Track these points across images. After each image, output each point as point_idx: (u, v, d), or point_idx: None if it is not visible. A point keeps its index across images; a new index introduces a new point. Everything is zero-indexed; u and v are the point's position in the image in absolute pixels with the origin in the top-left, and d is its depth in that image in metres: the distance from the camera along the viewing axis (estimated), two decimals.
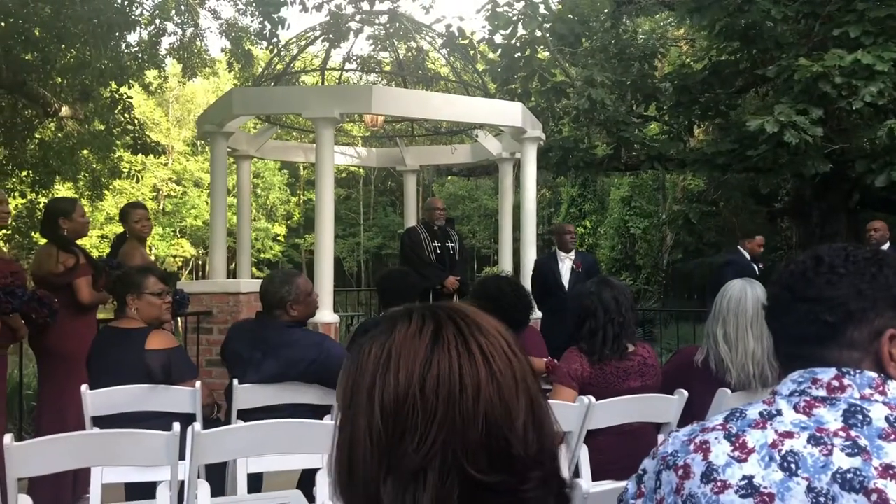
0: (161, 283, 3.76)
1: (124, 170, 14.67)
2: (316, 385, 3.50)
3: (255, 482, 3.18)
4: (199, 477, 2.63)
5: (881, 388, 1.14)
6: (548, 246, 26.12)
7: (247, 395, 3.44)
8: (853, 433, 1.09)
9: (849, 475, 1.04)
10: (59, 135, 11.80)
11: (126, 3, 9.32)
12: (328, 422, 2.98)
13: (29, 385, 6.35)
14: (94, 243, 26.32)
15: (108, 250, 5.98)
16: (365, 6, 9.62)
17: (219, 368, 5.39)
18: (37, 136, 11.65)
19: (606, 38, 10.36)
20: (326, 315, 5.84)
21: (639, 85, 9.96)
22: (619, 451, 3.07)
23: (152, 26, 11.62)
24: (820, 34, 8.21)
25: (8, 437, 2.32)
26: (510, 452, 0.82)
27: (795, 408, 1.15)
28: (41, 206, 11.60)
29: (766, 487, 1.07)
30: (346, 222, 35.30)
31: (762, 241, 7.72)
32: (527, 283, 6.86)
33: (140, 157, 12.43)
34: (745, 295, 2.97)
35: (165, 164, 33.07)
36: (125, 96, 10.87)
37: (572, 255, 7.22)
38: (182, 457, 2.58)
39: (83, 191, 14.24)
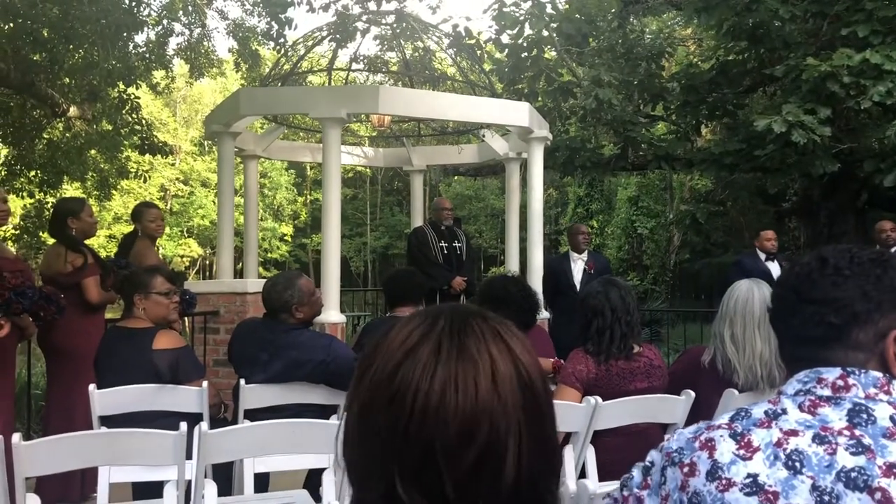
0: (168, 283, 3.77)
1: (132, 170, 14.73)
2: (322, 385, 3.51)
3: (262, 482, 3.19)
4: (205, 476, 2.64)
5: (886, 388, 1.15)
6: (554, 246, 26.14)
7: (253, 394, 3.45)
8: (857, 432, 1.09)
9: (853, 474, 1.05)
10: (67, 135, 11.85)
11: (134, 3, 9.34)
12: (334, 422, 2.98)
13: (37, 384, 6.37)
14: (101, 243, 26.44)
15: (115, 250, 6.00)
16: (372, 6, 9.64)
17: (226, 368, 5.40)
18: (45, 136, 11.70)
19: (613, 38, 10.34)
20: (333, 315, 5.84)
21: (646, 84, 9.94)
22: (625, 451, 3.06)
23: (160, 27, 11.66)
24: (828, 33, 8.18)
25: (16, 437, 2.32)
26: (502, 468, 0.82)
27: (800, 407, 1.16)
28: (49, 205, 11.66)
29: (770, 486, 1.08)
30: (353, 222, 35.34)
31: (770, 235, 7.33)
32: (533, 282, 6.86)
33: (147, 157, 12.46)
34: (752, 295, 2.96)
35: (173, 164, 33.16)
36: (133, 96, 10.90)
37: (585, 255, 7.22)
38: (189, 456, 2.58)
39: (91, 191, 14.30)
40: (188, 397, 3.40)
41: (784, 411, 1.16)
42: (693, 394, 3.05)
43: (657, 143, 9.99)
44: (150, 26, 10.97)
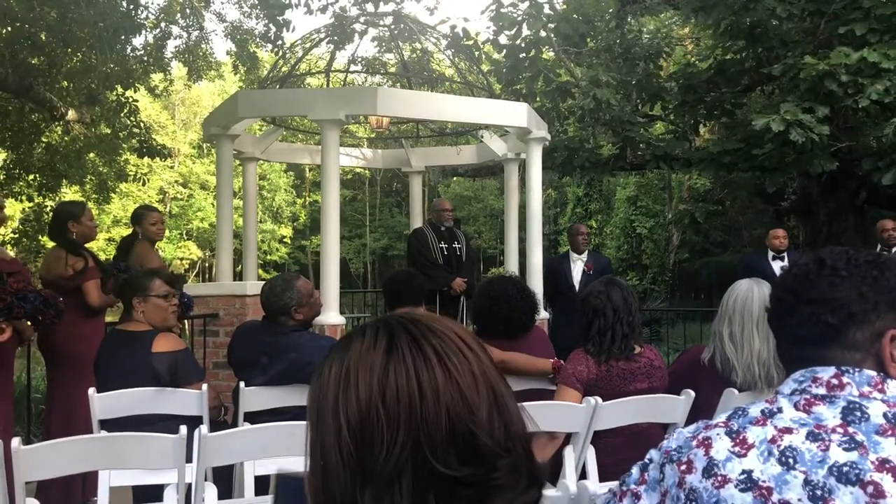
0: (167, 286, 3.77)
1: (131, 173, 14.70)
2: None
3: (263, 485, 3.19)
4: (206, 480, 2.64)
5: (880, 387, 1.16)
6: (553, 246, 26.13)
7: (254, 397, 3.45)
8: (851, 429, 1.11)
9: (845, 468, 1.06)
10: (66, 138, 11.84)
11: (131, 6, 9.33)
12: None
13: (37, 388, 6.37)
14: (101, 246, 26.43)
15: (114, 253, 6.00)
16: (369, 8, 9.63)
17: (225, 371, 5.40)
18: (43, 139, 11.69)
19: (611, 38, 10.34)
20: (333, 317, 5.84)
21: (644, 84, 9.94)
22: (626, 451, 3.06)
23: (158, 30, 11.65)
24: (825, 32, 8.18)
25: (16, 441, 2.32)
26: (477, 444, 0.85)
27: (796, 406, 1.18)
28: (48, 209, 11.66)
29: (764, 481, 1.10)
30: (353, 223, 35.35)
31: (779, 233, 7.40)
32: (532, 282, 6.86)
33: (146, 160, 12.44)
34: (751, 295, 2.96)
35: (172, 167, 33.19)
36: (131, 100, 10.89)
37: (585, 256, 7.23)
38: (189, 459, 2.58)
39: (90, 194, 14.29)
40: (188, 400, 3.40)
41: (780, 410, 1.18)
42: (693, 393, 3.05)
43: (655, 142, 9.98)
44: (148, 29, 10.96)
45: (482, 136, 8.41)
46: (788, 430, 1.13)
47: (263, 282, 4.00)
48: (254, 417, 3.37)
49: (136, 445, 2.60)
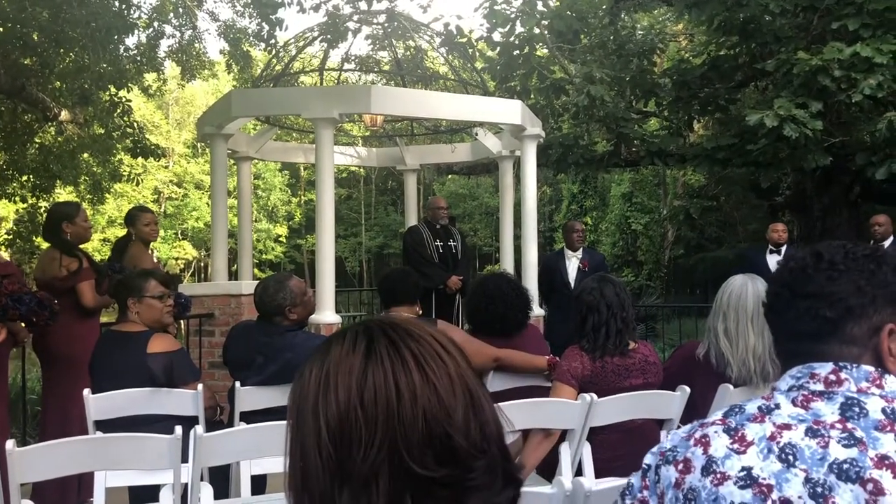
0: (161, 286, 3.76)
1: (124, 173, 14.67)
2: None
3: (259, 484, 3.18)
4: (202, 479, 2.63)
5: (878, 382, 1.16)
6: (549, 243, 26.14)
7: (249, 397, 3.45)
8: (850, 425, 1.10)
9: (845, 465, 1.06)
10: (59, 139, 11.81)
11: (124, 6, 9.30)
12: None
13: (32, 389, 6.35)
14: (95, 247, 26.37)
15: (109, 254, 5.98)
16: (363, 6, 9.62)
17: (221, 371, 5.40)
18: (37, 140, 11.66)
19: (605, 35, 10.34)
20: (328, 315, 5.84)
21: (638, 81, 9.94)
22: (621, 448, 3.07)
23: (150, 29, 11.62)
24: (818, 27, 8.19)
25: (10, 443, 2.32)
26: (453, 445, 0.87)
27: (793, 402, 1.17)
28: (42, 210, 11.63)
29: (764, 478, 1.09)
30: (348, 222, 35.31)
31: (777, 227, 7.51)
32: (528, 280, 6.87)
33: (140, 160, 12.42)
34: (745, 290, 2.97)
35: (166, 167, 33.11)
36: (124, 99, 10.86)
37: (580, 253, 7.23)
38: (185, 460, 2.58)
39: (84, 194, 14.26)
40: (183, 400, 3.39)
41: (777, 406, 1.18)
42: (688, 389, 3.06)
43: (650, 138, 9.99)
44: (141, 29, 10.93)
45: (477, 134, 8.41)
46: (787, 427, 1.13)
47: (258, 281, 3.99)
48: (249, 417, 3.37)
49: (132, 446, 2.60)
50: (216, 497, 2.72)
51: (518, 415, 2.91)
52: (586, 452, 3.06)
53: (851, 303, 1.19)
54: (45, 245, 4.82)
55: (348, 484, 0.86)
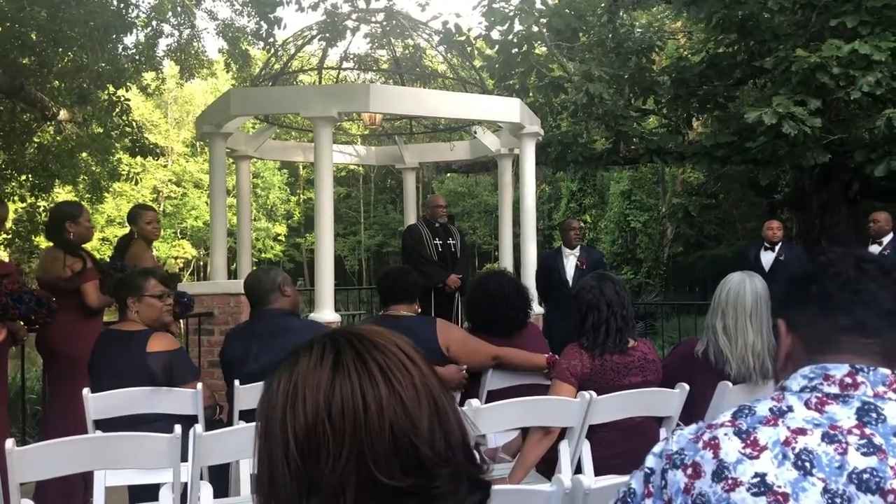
0: (161, 285, 3.76)
1: (123, 172, 14.66)
2: None
3: None
4: (201, 478, 2.63)
5: (895, 386, 1.13)
6: (548, 241, 26.14)
7: (248, 395, 3.44)
8: (868, 431, 1.07)
9: (865, 475, 1.03)
10: (58, 138, 11.80)
11: (122, 5, 9.29)
12: None
13: (32, 389, 6.35)
14: (95, 246, 26.32)
15: (109, 253, 5.98)
16: (361, 4, 9.61)
17: (220, 370, 5.39)
18: (35, 139, 11.64)
19: (603, 33, 10.33)
20: (328, 314, 5.84)
21: (637, 78, 9.94)
22: (621, 445, 3.07)
23: (149, 28, 11.61)
24: (817, 25, 8.19)
25: (9, 442, 2.32)
26: (419, 455, 0.89)
27: (807, 404, 1.14)
28: (41, 210, 11.62)
29: (780, 486, 1.05)
30: (347, 221, 35.31)
31: (771, 224, 7.66)
32: (527, 278, 6.87)
33: (139, 159, 12.42)
34: (743, 287, 2.97)
35: (165, 166, 33.09)
36: (123, 99, 10.85)
37: (577, 251, 7.23)
38: (185, 459, 2.58)
39: (83, 194, 14.24)
40: (183, 400, 3.39)
41: (790, 408, 1.14)
42: (687, 387, 3.06)
43: (649, 136, 9.99)
44: (139, 28, 10.92)
45: (475, 132, 8.41)
46: (802, 431, 1.09)
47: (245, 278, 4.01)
48: (249, 416, 3.37)
49: (132, 445, 2.60)
50: (216, 496, 2.72)
51: (517, 413, 2.91)
52: (585, 450, 3.06)
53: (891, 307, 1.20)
54: (44, 245, 4.81)
55: (316, 494, 0.87)
